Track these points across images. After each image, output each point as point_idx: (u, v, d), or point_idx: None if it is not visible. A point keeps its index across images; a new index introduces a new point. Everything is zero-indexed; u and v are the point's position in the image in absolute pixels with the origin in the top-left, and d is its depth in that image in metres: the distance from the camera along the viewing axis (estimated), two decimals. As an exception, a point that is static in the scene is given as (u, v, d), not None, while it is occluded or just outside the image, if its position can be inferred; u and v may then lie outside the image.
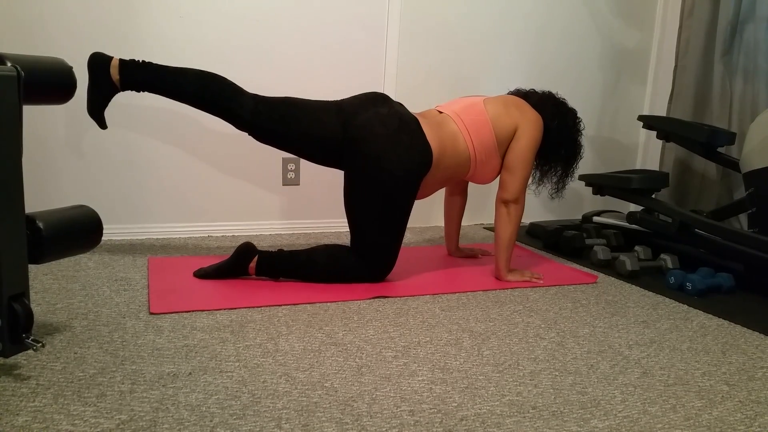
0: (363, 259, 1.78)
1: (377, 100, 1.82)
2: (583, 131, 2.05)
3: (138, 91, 1.75)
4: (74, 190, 2.13)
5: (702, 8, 2.64)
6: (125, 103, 2.14)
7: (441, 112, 1.92)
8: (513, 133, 1.90)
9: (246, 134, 2.30)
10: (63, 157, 2.10)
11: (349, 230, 1.82)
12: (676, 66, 2.78)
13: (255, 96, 1.78)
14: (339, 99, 1.98)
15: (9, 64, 1.14)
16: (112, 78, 1.71)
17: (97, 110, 1.76)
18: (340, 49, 2.42)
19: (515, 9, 2.72)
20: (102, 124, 1.79)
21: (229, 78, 2.26)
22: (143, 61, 1.74)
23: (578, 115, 2.05)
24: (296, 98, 1.81)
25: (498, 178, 1.96)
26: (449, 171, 1.86)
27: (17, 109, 1.12)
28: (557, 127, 1.97)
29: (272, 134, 1.78)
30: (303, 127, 1.76)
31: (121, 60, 1.72)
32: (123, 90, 1.75)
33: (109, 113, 2.12)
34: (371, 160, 1.72)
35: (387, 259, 1.81)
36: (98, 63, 1.72)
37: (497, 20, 2.70)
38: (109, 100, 1.77)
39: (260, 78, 2.31)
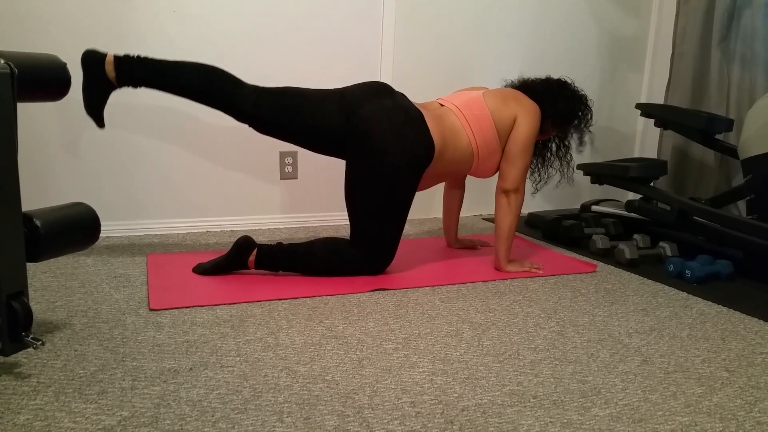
0: (363, 252, 1.78)
1: (381, 91, 1.79)
2: (582, 91, 2.08)
3: (135, 87, 1.72)
4: (71, 187, 2.12)
5: (698, -5, 2.63)
6: (122, 99, 2.13)
7: (442, 105, 1.92)
8: (512, 125, 1.90)
9: (244, 127, 2.31)
10: (59, 154, 2.09)
11: (348, 223, 1.82)
12: (673, 53, 2.77)
13: (256, 88, 1.75)
14: (341, 87, 1.94)
15: (2, 61, 1.13)
16: (108, 75, 1.68)
17: (95, 109, 1.73)
18: (337, 38, 2.41)
19: (511, -2, 2.71)
20: (100, 123, 1.76)
21: (226, 68, 2.25)
22: (138, 56, 1.70)
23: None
24: (297, 88, 1.78)
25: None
26: (450, 166, 1.86)
27: (11, 106, 1.12)
28: (558, 86, 2.02)
29: (274, 126, 1.76)
30: (305, 118, 1.74)
31: (115, 56, 1.68)
32: (120, 87, 1.71)
33: (106, 110, 2.11)
34: (376, 154, 1.71)
35: (387, 252, 1.80)
36: (92, 60, 1.68)
37: (493, 8, 2.69)
38: (107, 98, 1.73)
39: (256, 68, 2.30)
